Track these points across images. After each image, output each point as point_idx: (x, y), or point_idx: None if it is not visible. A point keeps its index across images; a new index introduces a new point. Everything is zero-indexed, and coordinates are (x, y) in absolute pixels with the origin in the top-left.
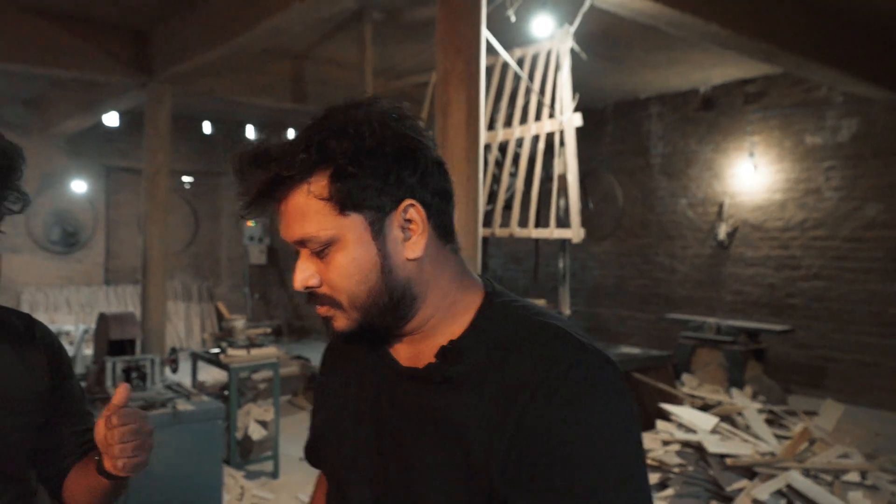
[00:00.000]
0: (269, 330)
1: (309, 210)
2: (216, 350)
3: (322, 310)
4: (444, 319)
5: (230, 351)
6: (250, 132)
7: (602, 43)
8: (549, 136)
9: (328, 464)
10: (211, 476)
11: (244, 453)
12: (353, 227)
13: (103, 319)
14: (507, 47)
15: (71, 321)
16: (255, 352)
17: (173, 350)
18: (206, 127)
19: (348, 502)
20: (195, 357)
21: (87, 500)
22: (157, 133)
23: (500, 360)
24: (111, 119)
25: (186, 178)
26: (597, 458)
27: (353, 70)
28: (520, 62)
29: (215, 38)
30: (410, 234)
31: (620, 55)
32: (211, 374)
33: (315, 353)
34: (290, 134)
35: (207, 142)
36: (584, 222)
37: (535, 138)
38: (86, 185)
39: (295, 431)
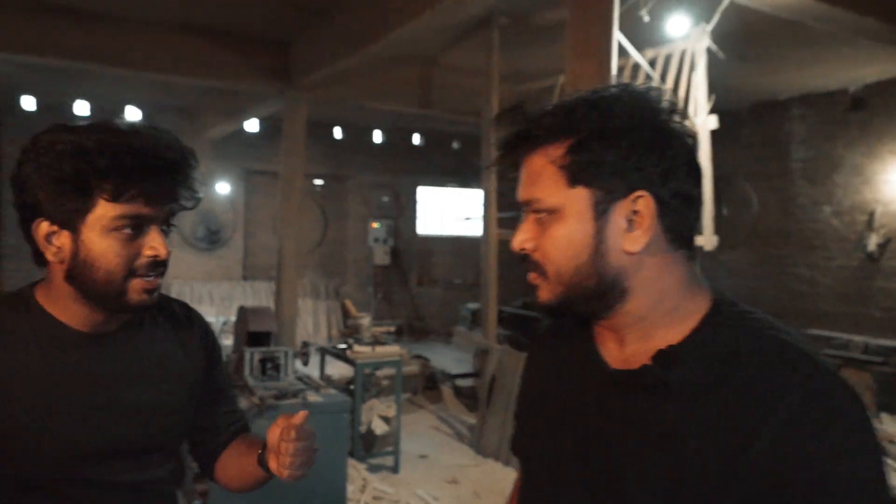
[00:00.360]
0: (393, 328)
1: (542, 174)
2: (343, 346)
3: (531, 276)
4: (663, 324)
5: (356, 347)
6: (378, 137)
7: (741, 41)
8: None
9: (530, 460)
10: (336, 466)
11: (367, 447)
12: (578, 201)
13: (243, 312)
14: (640, 48)
15: (212, 313)
16: (379, 349)
17: (305, 344)
18: (337, 132)
19: (556, 486)
20: (323, 352)
21: (240, 480)
22: (293, 138)
23: (726, 372)
24: (252, 125)
25: (317, 181)
26: (853, 488)
27: (479, 75)
28: (652, 63)
29: (349, 48)
30: (634, 227)
31: (759, 53)
32: (337, 369)
33: (434, 354)
34: (416, 139)
35: (337, 146)
36: (717, 229)
37: None
38: (228, 187)
39: (414, 429)
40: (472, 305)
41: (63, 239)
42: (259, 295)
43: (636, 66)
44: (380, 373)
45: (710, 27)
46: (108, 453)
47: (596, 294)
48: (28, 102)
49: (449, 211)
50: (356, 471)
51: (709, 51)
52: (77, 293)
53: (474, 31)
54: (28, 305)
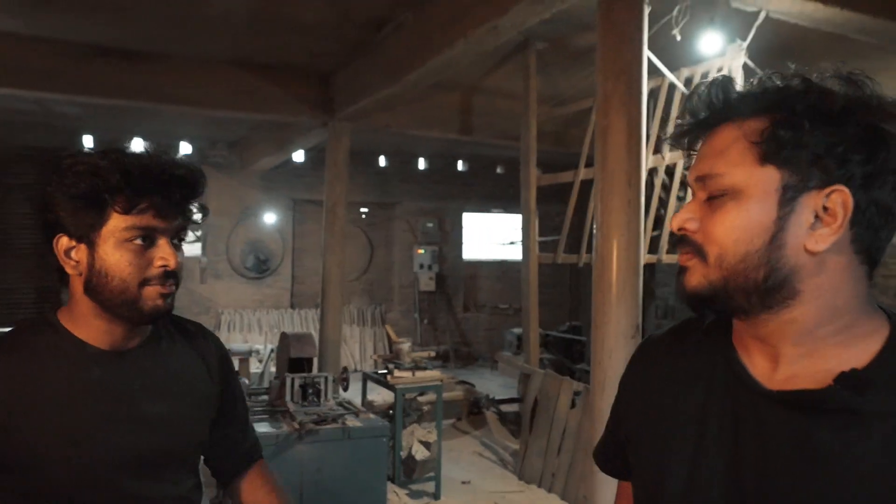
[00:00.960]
0: (433, 353)
1: (730, 148)
2: (383, 371)
3: (684, 257)
4: (836, 343)
5: (396, 372)
6: (422, 164)
7: (781, 56)
8: None
9: (643, 477)
10: (376, 491)
11: (408, 472)
12: (765, 182)
13: (285, 338)
14: (675, 67)
15: (261, 341)
16: (419, 374)
17: (344, 369)
18: (381, 160)
19: None
20: (365, 377)
21: None
22: (335, 167)
23: None
24: (298, 156)
25: (363, 209)
26: None
27: (518, 100)
28: (688, 81)
29: (388, 78)
30: (822, 225)
31: (808, 68)
32: (381, 395)
33: (480, 380)
34: (461, 165)
35: (382, 174)
36: None
37: None
38: (275, 217)
39: (457, 455)
40: (518, 330)
41: (81, 253)
42: (307, 322)
43: (672, 86)
44: (422, 398)
45: (745, 44)
46: (132, 466)
47: (760, 289)
48: (88, 141)
49: (494, 236)
50: (397, 496)
51: (746, 67)
52: (96, 307)
53: (512, 56)
54: (51, 327)
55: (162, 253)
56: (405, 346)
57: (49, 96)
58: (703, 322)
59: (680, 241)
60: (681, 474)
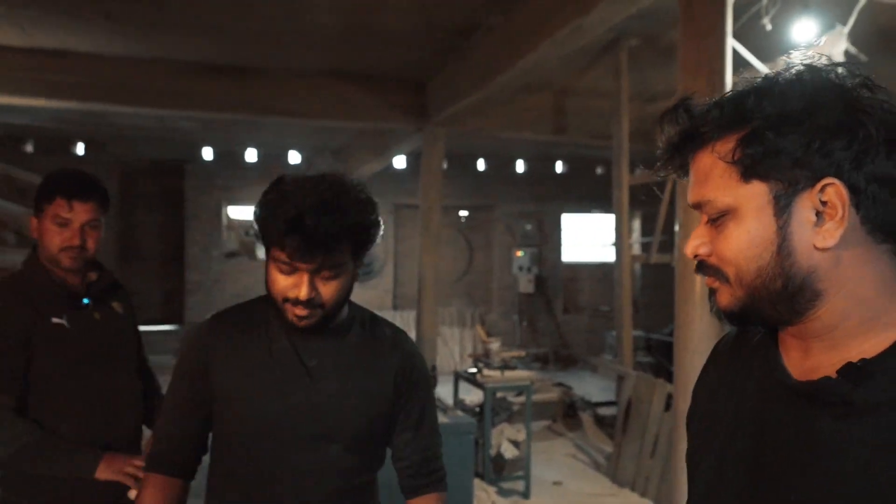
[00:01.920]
0: (523, 353)
1: (712, 172)
2: (473, 370)
3: (708, 281)
4: (857, 333)
5: (485, 371)
6: (520, 167)
7: (886, 40)
8: None
9: (695, 468)
10: (463, 487)
11: (497, 470)
12: (754, 197)
13: None
14: (770, 58)
15: None
16: (508, 373)
17: (433, 367)
18: (480, 164)
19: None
20: (457, 376)
21: None
22: (430, 172)
23: None
24: (399, 161)
25: (462, 213)
26: None
27: (611, 98)
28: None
29: (478, 82)
30: (825, 220)
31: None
32: (477, 395)
33: (579, 383)
34: (559, 166)
35: (481, 177)
36: None
37: None
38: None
39: (549, 456)
40: None
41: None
42: (408, 323)
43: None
44: (517, 399)
45: (846, 29)
46: (296, 429)
47: (784, 297)
48: (207, 153)
49: (594, 237)
50: (486, 493)
51: (847, 53)
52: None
53: (604, 54)
54: (273, 306)
55: (296, 283)
56: (495, 345)
57: (168, 113)
58: None
59: (699, 266)
60: (713, 459)
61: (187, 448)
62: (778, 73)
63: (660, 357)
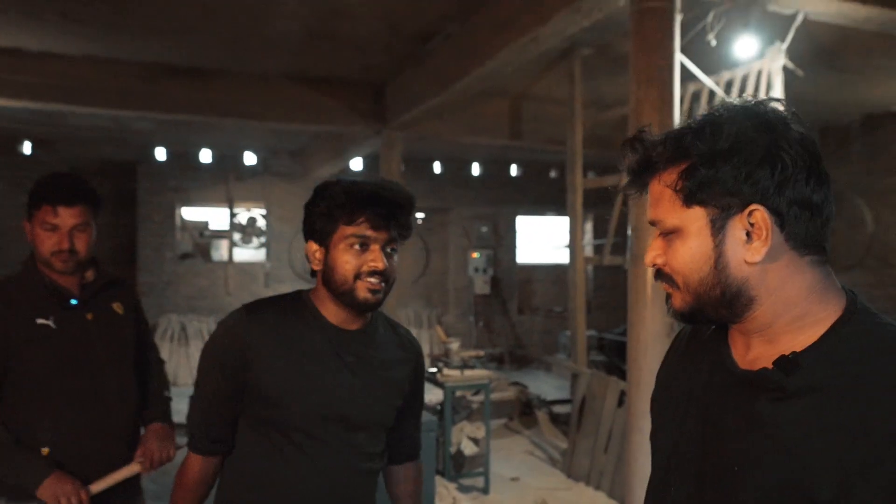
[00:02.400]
0: (481, 353)
1: (661, 198)
2: (433, 370)
3: (664, 286)
4: (789, 330)
5: (445, 371)
6: (476, 170)
7: (822, 56)
8: None
9: (655, 450)
10: (425, 484)
11: (457, 467)
12: (695, 219)
13: None
14: (715, 71)
15: None
16: (468, 373)
17: None
18: (436, 167)
19: (667, 493)
20: None
21: None
22: (388, 174)
23: (851, 381)
24: (356, 164)
25: (419, 215)
26: None
27: (565, 105)
28: (729, 85)
29: (437, 87)
30: (753, 239)
31: (857, 65)
32: (435, 395)
33: (534, 381)
34: (514, 170)
35: (437, 180)
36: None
37: None
38: None
39: (507, 453)
40: None
41: (321, 254)
42: None
43: (712, 91)
44: (474, 397)
45: (784, 45)
46: (332, 419)
47: (722, 302)
48: (160, 153)
49: (548, 239)
50: (446, 490)
51: (785, 69)
52: (329, 293)
53: (558, 62)
54: (302, 300)
55: (372, 256)
56: (454, 345)
57: (124, 113)
58: None
59: (657, 274)
60: (669, 440)
61: (226, 430)
62: (718, 110)
63: (612, 356)
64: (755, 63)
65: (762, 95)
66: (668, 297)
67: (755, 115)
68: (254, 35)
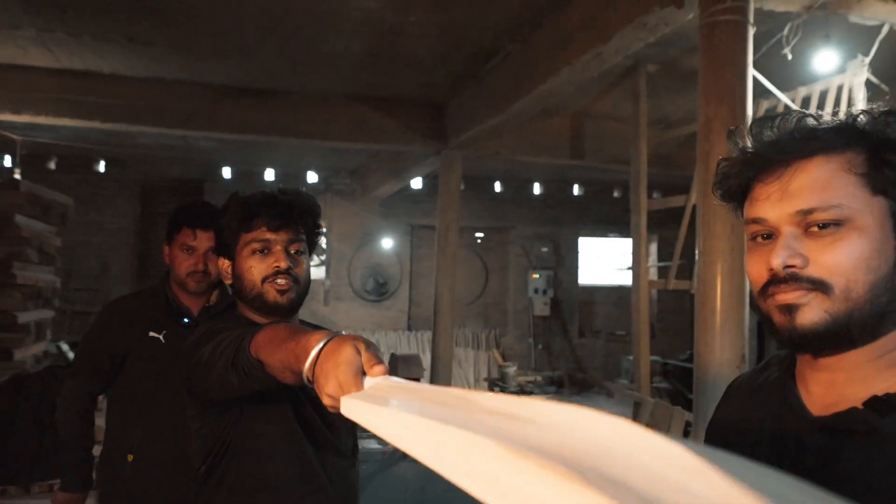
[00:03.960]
0: (539, 378)
1: (833, 180)
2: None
3: (793, 295)
4: (887, 367)
5: None
6: (537, 189)
7: None
8: None
9: None
10: None
11: None
12: (877, 211)
13: (394, 359)
14: (791, 87)
15: None
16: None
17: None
18: (497, 186)
19: None
20: None
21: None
22: (447, 194)
23: None
24: (416, 183)
25: (478, 234)
26: None
27: (629, 123)
28: (806, 101)
29: (496, 107)
30: None
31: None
32: None
33: (594, 407)
34: (576, 189)
35: (497, 199)
36: None
37: None
38: (392, 242)
39: None
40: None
41: (229, 267)
42: (422, 344)
43: (787, 107)
44: None
45: (868, 59)
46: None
47: (875, 316)
48: (227, 172)
49: (610, 260)
50: None
51: (868, 83)
52: (245, 305)
53: (622, 79)
54: (235, 313)
55: (274, 258)
56: (511, 369)
57: (190, 133)
58: (787, 358)
59: (786, 279)
60: None
61: None
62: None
63: (677, 383)
64: (835, 78)
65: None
66: (792, 309)
67: None
68: (314, 55)
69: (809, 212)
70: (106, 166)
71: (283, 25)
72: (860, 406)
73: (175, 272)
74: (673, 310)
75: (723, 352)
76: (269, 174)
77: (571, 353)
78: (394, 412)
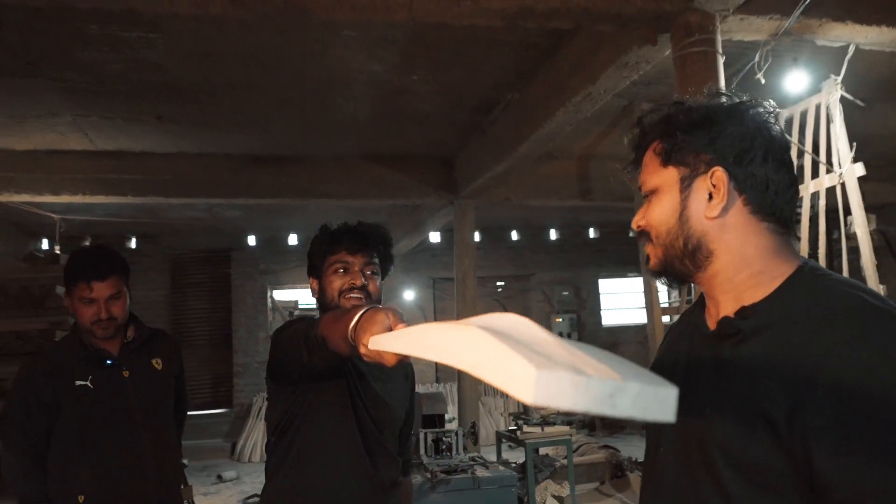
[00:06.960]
0: (561, 409)
1: (648, 162)
2: (513, 427)
3: (646, 248)
4: (750, 286)
5: (525, 428)
6: (553, 235)
7: (881, 84)
8: (831, 192)
9: (649, 426)
10: None
11: None
12: (669, 178)
13: (418, 398)
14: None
15: None
16: (548, 429)
17: (473, 424)
18: (514, 235)
19: (657, 456)
20: (498, 435)
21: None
22: (463, 243)
23: (795, 316)
24: (435, 237)
25: (499, 283)
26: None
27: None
28: (788, 122)
29: (501, 153)
30: (713, 197)
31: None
32: (521, 455)
33: (627, 446)
34: (592, 232)
35: (515, 247)
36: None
37: (815, 196)
38: (414, 294)
39: None
40: None
41: (316, 284)
42: (452, 394)
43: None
44: (558, 453)
45: (839, 78)
46: (371, 418)
47: (686, 253)
48: (252, 240)
49: (632, 300)
50: None
51: (844, 100)
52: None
53: (619, 119)
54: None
55: (351, 276)
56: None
57: (215, 202)
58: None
59: (639, 235)
60: None
61: None
62: (710, 98)
63: None
64: (813, 98)
65: (823, 130)
66: (647, 259)
67: (734, 105)
68: (325, 120)
69: (640, 187)
70: (137, 242)
71: (296, 96)
72: (732, 315)
73: (80, 322)
74: None
75: None
76: (293, 238)
77: None
78: (404, 332)
